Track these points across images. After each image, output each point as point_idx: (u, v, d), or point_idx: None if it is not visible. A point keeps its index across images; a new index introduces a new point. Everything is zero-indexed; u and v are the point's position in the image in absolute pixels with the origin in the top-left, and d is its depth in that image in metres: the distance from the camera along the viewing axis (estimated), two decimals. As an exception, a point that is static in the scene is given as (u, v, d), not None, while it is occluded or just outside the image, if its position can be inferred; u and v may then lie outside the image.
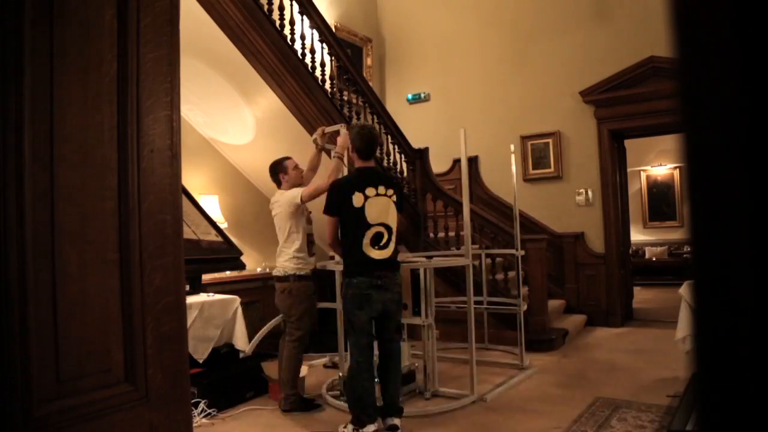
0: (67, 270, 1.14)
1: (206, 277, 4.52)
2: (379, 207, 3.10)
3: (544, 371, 4.42)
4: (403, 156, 5.93)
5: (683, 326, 3.63)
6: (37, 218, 1.09)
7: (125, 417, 1.22)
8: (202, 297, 4.04)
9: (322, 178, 3.57)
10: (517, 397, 3.77)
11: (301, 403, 3.60)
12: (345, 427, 3.17)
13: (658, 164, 10.49)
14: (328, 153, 3.87)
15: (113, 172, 1.24)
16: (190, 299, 3.83)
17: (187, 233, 3.90)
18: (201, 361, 3.79)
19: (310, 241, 3.78)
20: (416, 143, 6.06)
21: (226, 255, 4.37)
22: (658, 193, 10.54)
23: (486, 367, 4.47)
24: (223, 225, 4.80)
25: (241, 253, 4.51)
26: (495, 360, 4.71)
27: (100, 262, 1.21)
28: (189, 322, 3.70)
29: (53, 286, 1.11)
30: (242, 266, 4.59)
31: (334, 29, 6.22)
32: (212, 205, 4.97)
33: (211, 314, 3.93)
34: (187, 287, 4.02)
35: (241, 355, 4.18)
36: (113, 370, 1.22)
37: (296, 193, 3.57)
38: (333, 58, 5.27)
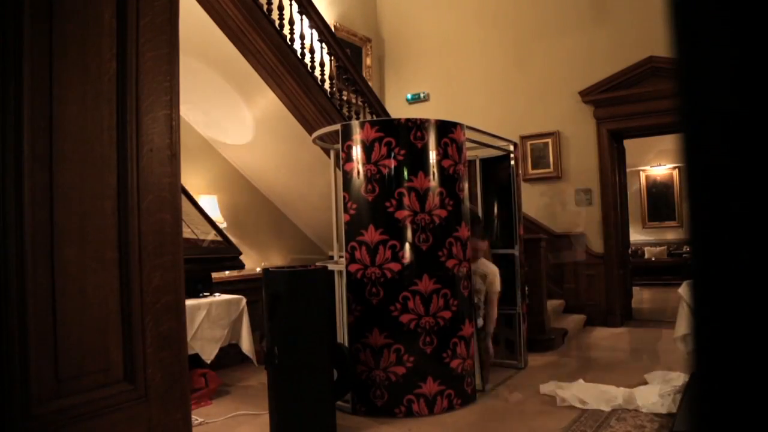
0: (66, 269, 1.14)
1: (206, 277, 4.51)
2: None
3: (543, 371, 4.42)
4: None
5: (682, 325, 3.63)
6: (37, 217, 1.09)
7: (124, 416, 1.22)
8: (209, 297, 4.04)
9: None
10: (516, 397, 3.77)
11: None
12: None
13: (657, 164, 10.50)
14: None
15: (112, 171, 1.24)
16: (200, 300, 3.84)
17: (187, 233, 3.90)
18: (209, 362, 3.79)
19: None
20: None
21: (225, 254, 4.36)
22: (658, 193, 10.55)
23: (485, 367, 4.46)
24: (222, 225, 4.80)
25: (240, 253, 4.51)
26: (494, 360, 4.71)
27: (99, 261, 1.21)
28: (197, 322, 3.70)
29: (52, 285, 1.11)
30: (241, 266, 4.59)
31: (333, 29, 6.22)
32: (211, 205, 4.97)
33: (218, 314, 3.92)
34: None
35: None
36: (112, 369, 1.22)
37: None
38: (332, 57, 5.27)
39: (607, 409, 3.37)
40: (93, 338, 1.19)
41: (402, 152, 3.57)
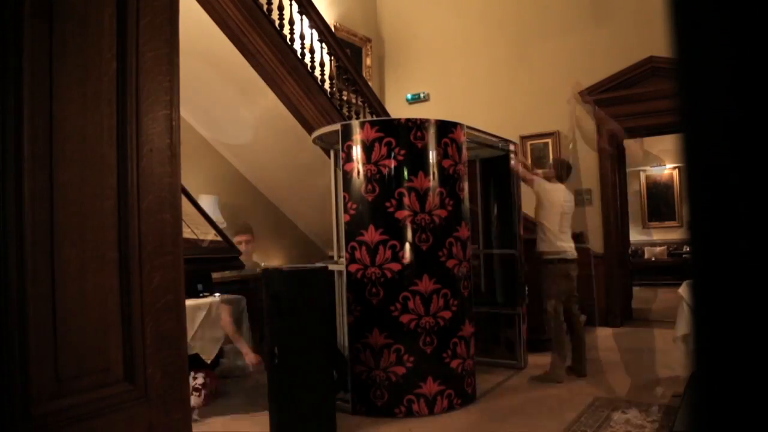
0: (66, 269, 1.14)
1: (205, 277, 4.51)
2: None
3: (543, 371, 4.42)
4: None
5: (682, 325, 3.63)
6: (37, 217, 1.09)
7: (124, 416, 1.22)
8: (209, 297, 4.04)
9: None
10: (516, 397, 3.77)
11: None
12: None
13: (657, 164, 10.49)
14: None
15: (112, 171, 1.24)
16: (200, 300, 3.84)
17: (187, 233, 3.89)
18: (209, 362, 3.79)
19: None
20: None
21: (225, 254, 4.36)
22: (658, 193, 10.55)
23: (485, 367, 4.47)
24: (222, 225, 4.79)
25: (240, 253, 4.50)
26: (494, 360, 4.71)
27: (99, 261, 1.21)
28: (197, 323, 3.70)
29: (52, 285, 1.11)
30: (241, 266, 4.59)
31: (333, 29, 6.22)
32: (211, 205, 4.97)
33: (219, 314, 3.93)
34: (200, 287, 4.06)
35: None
36: (112, 369, 1.22)
37: None
38: (332, 57, 5.27)
39: None
40: (93, 338, 1.19)
41: (402, 152, 3.57)
